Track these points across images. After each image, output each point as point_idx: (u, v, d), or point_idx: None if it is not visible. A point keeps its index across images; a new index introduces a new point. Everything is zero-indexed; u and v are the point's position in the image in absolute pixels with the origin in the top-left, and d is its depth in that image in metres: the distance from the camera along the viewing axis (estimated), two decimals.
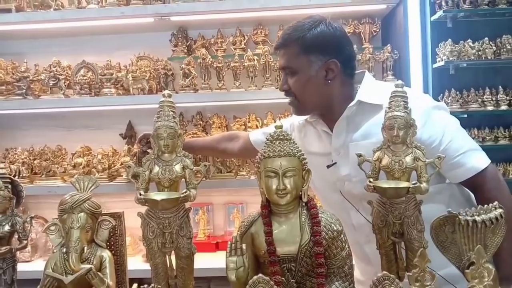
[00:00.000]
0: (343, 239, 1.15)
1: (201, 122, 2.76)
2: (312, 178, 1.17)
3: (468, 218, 1.04)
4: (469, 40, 2.75)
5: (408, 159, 1.16)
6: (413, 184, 1.13)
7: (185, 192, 1.17)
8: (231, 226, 2.80)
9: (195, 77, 2.59)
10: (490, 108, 2.79)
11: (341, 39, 1.50)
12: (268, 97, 2.55)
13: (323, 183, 1.60)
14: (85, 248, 1.17)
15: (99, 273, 1.14)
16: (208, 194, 2.82)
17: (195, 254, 1.23)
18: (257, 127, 2.62)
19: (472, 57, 2.72)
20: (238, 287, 1.06)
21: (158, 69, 2.66)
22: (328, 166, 1.54)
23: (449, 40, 2.72)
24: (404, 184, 1.14)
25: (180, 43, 2.76)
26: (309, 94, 1.51)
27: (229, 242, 1.09)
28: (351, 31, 2.65)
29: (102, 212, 1.23)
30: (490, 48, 2.73)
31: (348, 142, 1.51)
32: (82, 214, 1.17)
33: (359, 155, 1.22)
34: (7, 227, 1.23)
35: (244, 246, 1.08)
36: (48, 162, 2.68)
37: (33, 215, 1.32)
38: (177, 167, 1.21)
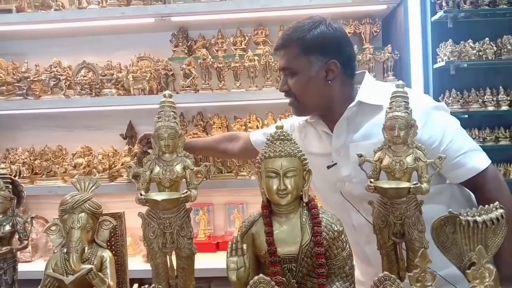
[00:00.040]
0: (344, 240, 1.15)
1: (202, 123, 2.76)
2: (312, 178, 1.17)
3: (469, 218, 1.04)
4: (469, 40, 2.75)
5: (409, 159, 1.16)
6: (414, 184, 1.13)
7: (186, 192, 1.17)
8: (232, 226, 2.80)
9: (196, 77, 2.59)
10: (490, 108, 2.79)
11: (341, 39, 1.50)
12: (269, 98, 2.54)
13: (323, 183, 1.60)
14: (86, 248, 1.17)
15: (99, 273, 1.14)
16: (208, 194, 2.82)
17: (196, 254, 1.23)
18: (257, 127, 2.62)
19: (473, 58, 2.71)
20: (239, 287, 1.06)
21: (158, 69, 2.66)
22: (329, 167, 1.53)
23: (450, 40, 2.72)
24: (405, 184, 1.14)
25: (180, 44, 2.76)
26: (309, 95, 1.51)
27: (230, 242, 1.09)
28: (352, 31, 2.65)
29: (103, 212, 1.23)
30: (491, 49, 2.72)
31: (348, 143, 1.51)
32: (82, 214, 1.17)
33: (360, 156, 1.22)
34: (7, 227, 1.24)
35: (244, 246, 1.08)
36: (48, 162, 2.68)
37: (33, 215, 1.32)
38: (178, 168, 1.21)
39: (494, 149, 2.75)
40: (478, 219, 1.04)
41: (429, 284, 0.97)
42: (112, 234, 1.30)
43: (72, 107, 2.68)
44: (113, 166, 2.66)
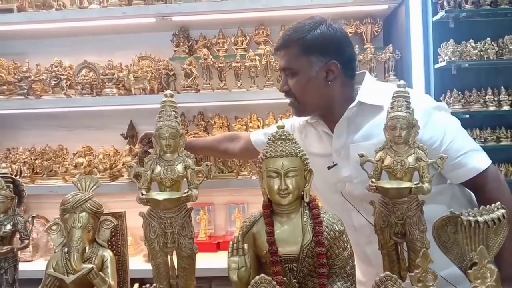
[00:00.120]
0: (345, 239, 1.15)
1: (203, 122, 2.76)
2: (313, 179, 1.17)
3: (471, 218, 1.04)
4: (471, 40, 2.74)
5: (411, 159, 1.16)
6: (415, 184, 1.13)
7: (187, 192, 1.17)
8: (233, 226, 2.80)
9: (197, 77, 2.59)
10: (492, 108, 2.79)
11: (341, 40, 1.50)
12: (270, 97, 2.54)
13: (323, 184, 1.60)
14: (87, 247, 1.17)
15: (100, 272, 1.14)
16: (209, 194, 2.82)
17: (196, 254, 1.23)
18: (258, 127, 2.62)
19: (474, 58, 2.71)
20: (240, 287, 1.06)
21: (159, 69, 2.66)
22: (329, 167, 1.53)
23: (451, 40, 2.71)
24: (406, 184, 1.14)
25: (181, 43, 2.76)
26: (309, 95, 1.51)
27: (231, 242, 1.09)
28: (353, 31, 2.65)
29: (104, 212, 1.23)
30: (492, 49, 2.72)
31: (348, 143, 1.51)
32: (83, 213, 1.17)
33: (361, 155, 1.22)
34: (8, 227, 1.24)
35: (246, 246, 1.08)
36: (49, 162, 2.69)
37: (34, 215, 1.32)
38: (179, 167, 1.21)
39: (495, 149, 2.74)
40: (480, 219, 1.04)
41: (430, 284, 0.97)
42: (113, 234, 1.30)
43: (73, 107, 2.69)
44: (114, 165, 2.66)
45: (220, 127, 2.69)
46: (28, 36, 2.85)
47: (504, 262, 1.23)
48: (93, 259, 1.18)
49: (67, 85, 2.62)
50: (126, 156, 2.65)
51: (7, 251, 1.22)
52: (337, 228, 1.14)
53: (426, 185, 1.14)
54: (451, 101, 2.76)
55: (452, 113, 1.54)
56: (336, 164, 1.53)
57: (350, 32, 2.62)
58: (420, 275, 0.97)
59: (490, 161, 1.44)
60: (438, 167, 1.17)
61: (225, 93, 2.59)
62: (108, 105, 2.63)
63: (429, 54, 2.70)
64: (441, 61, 2.73)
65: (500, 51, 2.75)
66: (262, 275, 1.01)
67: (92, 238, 1.20)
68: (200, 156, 2.48)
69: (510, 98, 2.79)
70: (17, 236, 1.27)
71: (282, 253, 1.12)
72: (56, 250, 1.19)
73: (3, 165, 1.38)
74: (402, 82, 1.24)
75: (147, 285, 1.08)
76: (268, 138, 1.18)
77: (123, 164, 2.60)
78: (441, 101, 2.60)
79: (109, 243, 1.27)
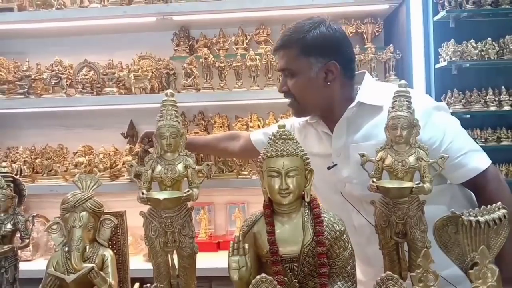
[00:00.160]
0: (346, 239, 1.15)
1: (203, 122, 2.76)
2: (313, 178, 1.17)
3: (472, 218, 1.04)
4: (472, 40, 2.74)
5: (411, 159, 1.16)
6: (416, 184, 1.13)
7: (188, 191, 1.17)
8: (233, 226, 2.80)
9: (197, 76, 2.59)
10: (492, 108, 2.78)
11: (341, 40, 1.50)
12: (270, 97, 2.54)
13: (323, 184, 1.60)
14: (87, 247, 1.17)
15: (101, 272, 1.14)
16: (209, 194, 2.82)
17: (197, 254, 1.22)
18: (258, 127, 2.62)
19: (475, 58, 2.70)
20: (241, 287, 1.06)
21: (160, 68, 2.65)
22: (329, 168, 1.53)
23: (452, 40, 2.71)
24: (407, 184, 1.14)
25: (182, 43, 2.76)
26: (308, 96, 1.51)
27: (232, 242, 1.08)
28: (354, 31, 2.65)
29: (104, 211, 1.23)
30: (493, 49, 2.71)
31: (348, 144, 1.50)
32: (84, 213, 1.16)
33: (362, 155, 1.22)
34: (9, 226, 1.24)
35: (246, 245, 1.07)
36: (49, 161, 2.69)
37: (35, 214, 1.33)
38: (180, 166, 1.21)
39: (496, 149, 2.74)
40: (481, 219, 1.04)
41: (431, 284, 0.96)
42: (114, 233, 1.30)
43: (73, 106, 2.69)
44: (114, 165, 2.66)
45: (221, 127, 2.69)
46: (29, 35, 2.85)
47: (505, 262, 1.23)
48: (94, 258, 1.18)
49: (67, 84, 2.63)
50: (126, 155, 2.64)
51: (7, 250, 1.22)
52: (337, 228, 1.14)
53: (427, 185, 1.14)
54: (451, 101, 2.75)
55: (453, 113, 1.54)
56: (336, 164, 1.52)
57: (351, 32, 2.62)
58: (421, 275, 0.97)
59: (490, 161, 1.44)
60: (439, 167, 1.17)
61: (225, 92, 2.58)
62: (108, 104, 2.63)
63: (430, 54, 2.69)
64: (441, 61, 2.72)
65: (501, 51, 2.74)
66: (263, 274, 1.01)
67: (93, 238, 1.20)
68: (201, 155, 2.48)
69: (510, 98, 2.78)
70: (18, 235, 1.28)
71: (283, 253, 1.12)
72: (57, 250, 1.19)
73: (4, 164, 1.38)
74: (403, 82, 1.24)
75: (148, 285, 1.08)
76: (269, 138, 1.18)
77: (124, 163, 2.60)
78: (441, 101, 2.60)
79: (110, 242, 1.27)
